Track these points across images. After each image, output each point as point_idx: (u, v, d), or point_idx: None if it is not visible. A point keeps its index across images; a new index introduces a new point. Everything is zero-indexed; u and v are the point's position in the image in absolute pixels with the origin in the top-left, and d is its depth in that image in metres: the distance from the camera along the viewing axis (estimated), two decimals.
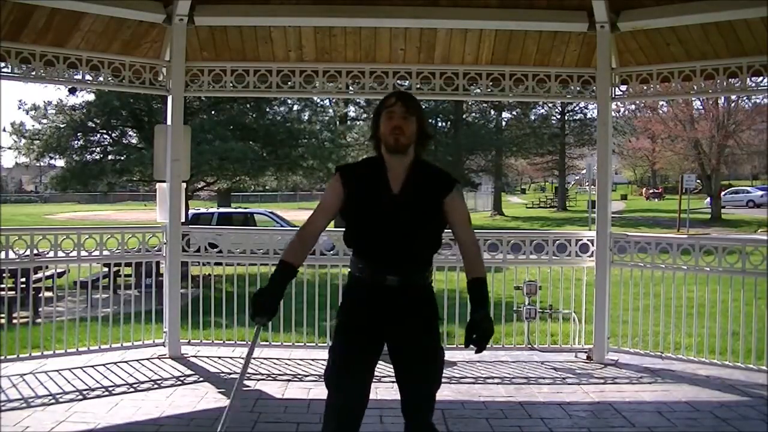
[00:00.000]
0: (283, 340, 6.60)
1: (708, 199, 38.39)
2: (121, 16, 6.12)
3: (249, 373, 5.98)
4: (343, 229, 3.21)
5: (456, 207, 3.13)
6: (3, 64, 5.82)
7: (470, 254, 3.17)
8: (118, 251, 6.55)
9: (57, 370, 5.87)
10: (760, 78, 5.98)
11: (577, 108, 45.07)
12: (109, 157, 17.74)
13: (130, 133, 18.48)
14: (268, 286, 3.12)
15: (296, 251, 3.18)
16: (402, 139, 3.07)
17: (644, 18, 6.18)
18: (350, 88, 6.86)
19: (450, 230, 3.19)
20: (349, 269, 3.23)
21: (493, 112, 41.80)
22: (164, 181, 6.57)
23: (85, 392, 5.39)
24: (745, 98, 34.27)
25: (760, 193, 45.98)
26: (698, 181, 36.31)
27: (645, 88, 6.50)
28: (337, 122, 23.17)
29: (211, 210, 22.50)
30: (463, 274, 6.98)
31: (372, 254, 3.10)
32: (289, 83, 6.62)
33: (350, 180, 3.15)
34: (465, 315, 6.61)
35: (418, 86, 6.65)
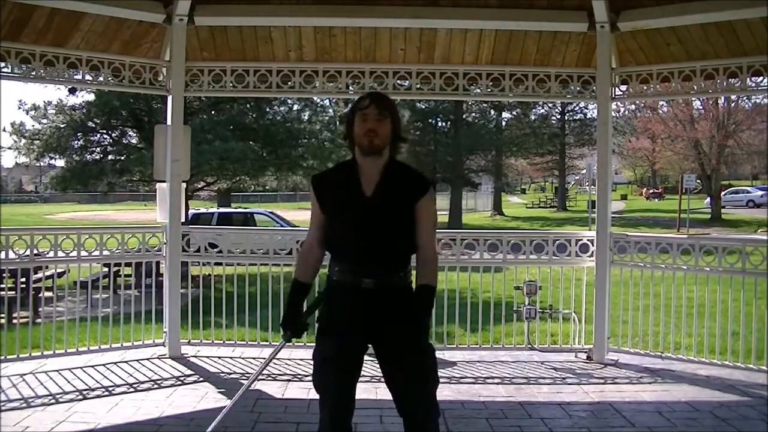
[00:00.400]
0: None
1: (708, 199, 38.41)
2: (121, 16, 6.12)
3: (249, 374, 5.99)
4: None
5: (424, 209, 3.10)
6: (3, 64, 5.82)
7: (425, 258, 3.13)
8: (118, 251, 6.54)
9: (57, 370, 5.87)
10: (760, 78, 5.98)
11: (577, 108, 45.12)
12: (109, 157, 17.76)
13: (130, 133, 18.50)
14: (286, 305, 3.30)
15: (300, 267, 3.30)
16: (376, 141, 3.06)
17: (644, 18, 6.17)
18: (350, 88, 6.85)
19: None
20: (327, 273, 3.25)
21: (493, 112, 41.77)
22: (164, 181, 6.56)
23: (85, 392, 5.39)
24: (745, 98, 34.34)
25: (760, 193, 45.99)
26: (698, 181, 36.33)
27: (645, 88, 6.49)
28: (337, 122, 23.11)
29: (211, 210, 22.50)
30: (463, 273, 7.00)
31: (347, 257, 3.11)
32: (289, 83, 6.62)
33: (322, 187, 3.20)
34: (465, 315, 6.63)
35: (418, 86, 6.66)
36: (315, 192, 3.20)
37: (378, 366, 3.21)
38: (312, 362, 3.20)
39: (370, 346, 3.18)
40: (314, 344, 3.21)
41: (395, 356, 3.09)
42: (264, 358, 6.35)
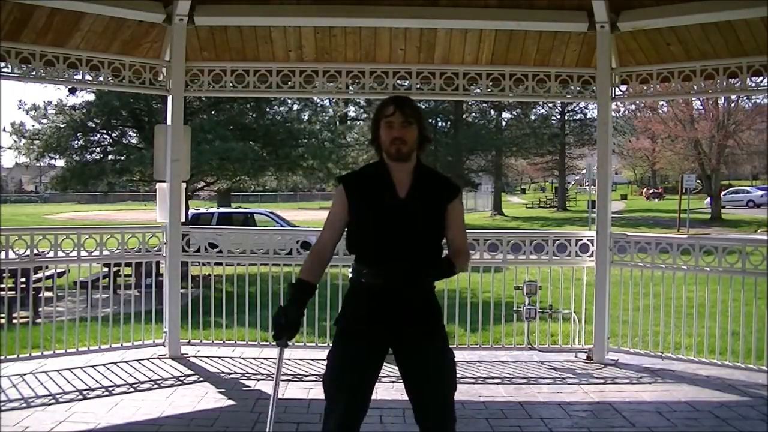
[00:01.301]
0: None
1: (708, 199, 38.40)
2: (121, 16, 6.12)
3: (249, 373, 6.00)
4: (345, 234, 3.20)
5: (456, 211, 3.14)
6: (3, 64, 5.82)
7: (457, 249, 3.16)
8: (118, 251, 6.54)
9: (57, 370, 5.87)
10: (760, 78, 5.98)
11: (577, 108, 45.11)
12: (109, 157, 17.74)
13: (130, 133, 18.48)
14: (286, 305, 3.08)
15: (309, 268, 3.15)
16: (404, 149, 3.06)
17: (644, 18, 6.18)
18: (350, 88, 6.85)
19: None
20: (350, 275, 3.17)
21: (493, 112, 41.80)
22: (164, 181, 6.57)
23: (85, 392, 5.40)
24: (745, 98, 34.33)
25: (760, 193, 45.98)
26: (698, 181, 36.29)
27: (645, 88, 6.50)
28: (337, 122, 23.15)
29: (211, 210, 22.49)
30: (463, 274, 7.00)
31: (379, 259, 3.06)
32: (289, 83, 6.62)
33: (354, 188, 3.15)
34: (465, 315, 6.63)
35: (418, 86, 6.66)
36: (346, 192, 3.13)
37: (383, 365, 3.19)
38: (326, 362, 3.13)
39: (388, 349, 3.13)
40: (330, 345, 3.14)
41: (414, 359, 3.06)
42: (264, 359, 6.39)
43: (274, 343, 3.10)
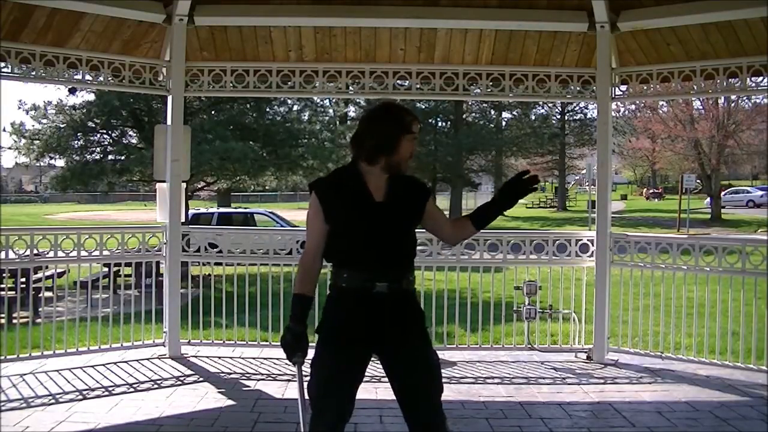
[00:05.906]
0: None
1: (708, 199, 38.40)
2: (121, 16, 6.12)
3: (249, 373, 6.00)
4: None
5: (433, 206, 3.26)
6: (3, 64, 5.82)
7: (457, 223, 3.33)
8: (118, 251, 6.54)
9: (57, 370, 5.87)
10: (760, 78, 5.98)
11: (577, 108, 45.11)
12: (109, 157, 17.77)
13: (130, 133, 18.51)
14: (289, 325, 3.11)
15: (302, 281, 3.13)
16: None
17: (644, 18, 6.18)
18: (350, 88, 6.86)
19: (426, 231, 3.33)
20: (330, 282, 3.15)
21: (493, 112, 41.81)
22: (164, 181, 6.57)
23: (85, 392, 5.39)
24: (745, 98, 34.33)
25: (760, 193, 46.00)
26: (698, 181, 36.31)
27: (645, 88, 6.50)
28: (337, 122, 23.16)
29: (211, 210, 22.50)
30: (463, 273, 6.99)
31: (361, 264, 3.05)
32: (289, 83, 6.62)
33: (327, 194, 3.10)
34: (465, 315, 6.63)
35: (418, 86, 6.66)
36: (320, 199, 3.09)
37: (377, 365, 3.19)
38: (311, 370, 3.09)
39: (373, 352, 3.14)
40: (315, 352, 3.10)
41: (408, 365, 3.07)
42: (264, 359, 6.38)
43: (291, 363, 3.13)
